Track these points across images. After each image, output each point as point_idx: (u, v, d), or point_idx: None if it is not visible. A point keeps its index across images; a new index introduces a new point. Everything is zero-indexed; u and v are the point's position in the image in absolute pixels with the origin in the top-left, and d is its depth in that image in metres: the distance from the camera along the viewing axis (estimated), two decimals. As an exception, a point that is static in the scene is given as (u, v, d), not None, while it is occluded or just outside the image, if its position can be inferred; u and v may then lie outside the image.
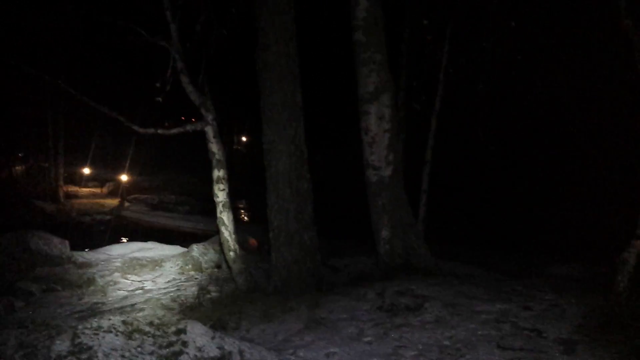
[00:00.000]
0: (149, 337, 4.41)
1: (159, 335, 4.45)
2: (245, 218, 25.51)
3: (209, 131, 8.14)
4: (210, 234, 12.15)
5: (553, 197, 17.81)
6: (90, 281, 8.94)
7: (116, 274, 9.43)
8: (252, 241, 11.58)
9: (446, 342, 5.56)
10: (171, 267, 9.81)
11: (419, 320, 6.19)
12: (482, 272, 9.50)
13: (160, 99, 7.99)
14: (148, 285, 8.89)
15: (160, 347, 4.30)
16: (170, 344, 4.36)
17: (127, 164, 29.47)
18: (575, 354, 5.15)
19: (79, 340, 4.20)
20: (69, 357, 3.97)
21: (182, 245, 11.75)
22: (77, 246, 12.14)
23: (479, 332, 5.73)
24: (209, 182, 8.30)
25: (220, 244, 8.44)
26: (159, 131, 8.58)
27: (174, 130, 8.70)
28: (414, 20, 10.88)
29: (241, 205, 28.16)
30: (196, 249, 10.25)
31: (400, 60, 10.88)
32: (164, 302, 7.83)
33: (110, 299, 8.24)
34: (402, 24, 10.72)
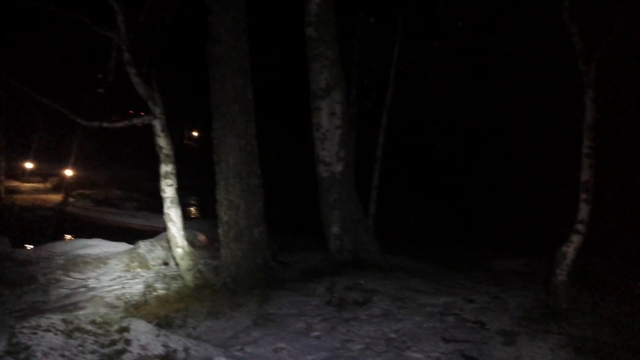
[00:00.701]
0: (90, 335, 4.28)
1: (100, 334, 4.32)
2: (195, 214, 25.10)
3: (157, 125, 7.95)
4: (159, 230, 11.88)
5: (504, 192, 18.37)
6: (31, 279, 8.59)
7: (59, 272, 9.10)
8: (202, 237, 11.40)
9: (392, 335, 5.64)
10: (116, 264, 9.53)
11: (367, 314, 6.26)
12: (429, 266, 9.69)
13: (102, 90, 7.74)
14: (92, 283, 8.62)
15: (102, 345, 4.18)
16: (113, 343, 4.25)
17: (72, 159, 28.41)
18: (515, 345, 5.33)
19: (17, 339, 4.04)
20: (6, 357, 3.81)
21: (128, 242, 11.43)
22: (18, 243, 11.65)
23: (425, 325, 5.85)
24: (157, 178, 8.12)
25: (168, 241, 8.27)
26: (105, 124, 8.33)
27: (121, 124, 8.46)
28: (366, 17, 10.95)
29: (192, 201, 27.68)
30: (143, 246, 9.99)
31: (353, 57, 10.93)
32: (107, 300, 7.62)
33: (51, 297, 7.95)
34: (354, 20, 10.75)
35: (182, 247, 8.01)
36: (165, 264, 9.42)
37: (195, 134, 48.45)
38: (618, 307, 6.39)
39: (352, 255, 8.46)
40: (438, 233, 15.72)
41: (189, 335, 5.51)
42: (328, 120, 8.34)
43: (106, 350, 4.13)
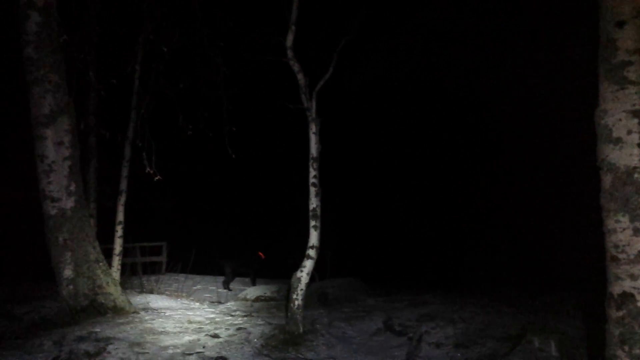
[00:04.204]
0: None
1: None
2: None
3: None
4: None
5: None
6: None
7: None
8: None
9: (125, 388, 5.15)
10: None
11: (98, 367, 5.63)
12: (181, 302, 9.30)
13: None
14: None
15: None
16: None
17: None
18: (254, 376, 5.31)
19: None
20: None
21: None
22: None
23: (163, 370, 5.49)
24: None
25: None
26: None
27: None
28: (102, 38, 10.21)
29: None
30: None
31: (89, 82, 10.05)
32: None
33: None
34: (89, 42, 9.91)
35: None
36: None
37: None
38: (349, 325, 6.91)
39: (89, 300, 7.63)
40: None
41: None
42: (55, 150, 7.45)
43: None
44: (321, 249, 6.55)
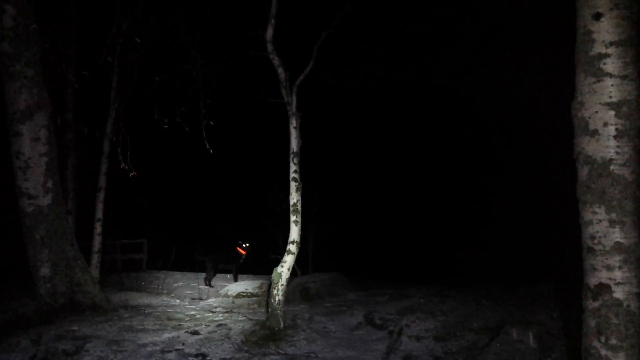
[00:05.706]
0: None
1: None
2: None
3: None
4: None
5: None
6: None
7: None
8: None
9: (103, 386, 5.08)
10: None
11: (76, 366, 5.55)
12: (161, 300, 9.22)
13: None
14: None
15: None
16: None
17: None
18: (231, 372, 5.27)
19: None
20: None
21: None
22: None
23: (141, 368, 5.43)
24: None
25: None
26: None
27: None
28: (81, 35, 10.05)
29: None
30: None
31: (67, 77, 9.87)
32: None
33: None
34: (67, 37, 9.73)
35: None
36: None
37: None
38: (330, 319, 6.90)
39: (67, 298, 7.52)
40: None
41: None
42: (31, 146, 7.31)
43: None
44: (303, 243, 6.54)
